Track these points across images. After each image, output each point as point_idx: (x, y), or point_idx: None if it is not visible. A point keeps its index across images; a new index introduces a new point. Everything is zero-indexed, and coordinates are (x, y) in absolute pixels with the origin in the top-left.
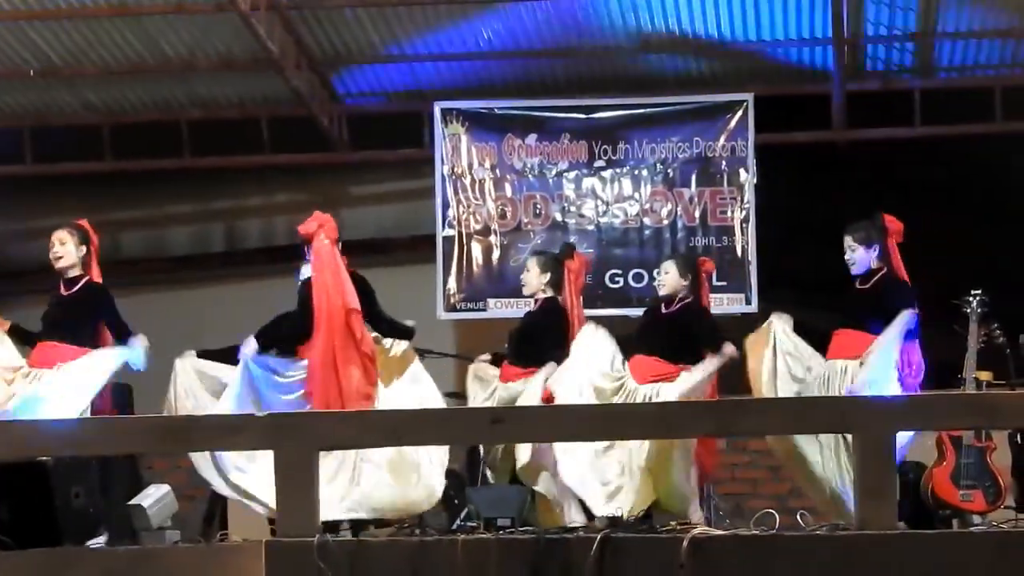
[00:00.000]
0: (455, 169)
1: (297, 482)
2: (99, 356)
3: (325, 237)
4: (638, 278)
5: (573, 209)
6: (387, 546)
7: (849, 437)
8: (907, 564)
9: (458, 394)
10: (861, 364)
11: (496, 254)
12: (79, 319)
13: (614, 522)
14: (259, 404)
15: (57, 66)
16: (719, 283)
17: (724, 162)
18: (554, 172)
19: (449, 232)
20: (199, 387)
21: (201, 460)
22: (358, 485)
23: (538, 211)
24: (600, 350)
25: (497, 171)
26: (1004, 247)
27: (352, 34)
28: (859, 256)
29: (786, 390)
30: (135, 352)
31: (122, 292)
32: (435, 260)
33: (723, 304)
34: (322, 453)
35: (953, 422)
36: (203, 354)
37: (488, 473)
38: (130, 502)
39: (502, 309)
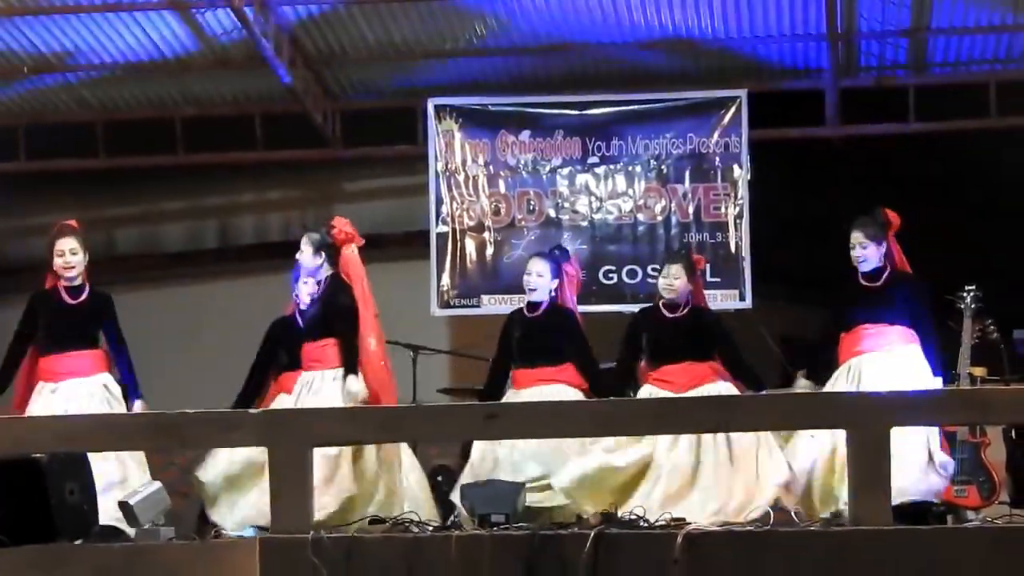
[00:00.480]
0: (449, 165)
1: (291, 479)
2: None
3: (355, 246)
4: (632, 274)
5: (567, 205)
6: (381, 542)
7: None
8: (901, 560)
9: (452, 390)
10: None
11: (490, 250)
12: (89, 327)
13: (608, 517)
14: None
15: (51, 63)
16: (713, 279)
17: (718, 158)
18: (548, 168)
19: (443, 228)
20: None
21: None
22: None
23: (532, 207)
24: None
25: (491, 167)
26: (998, 243)
27: (345, 30)
28: (870, 253)
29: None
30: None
31: (116, 289)
32: (429, 256)
33: (717, 300)
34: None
35: (947, 417)
36: None
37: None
38: (119, 499)
39: (496, 305)
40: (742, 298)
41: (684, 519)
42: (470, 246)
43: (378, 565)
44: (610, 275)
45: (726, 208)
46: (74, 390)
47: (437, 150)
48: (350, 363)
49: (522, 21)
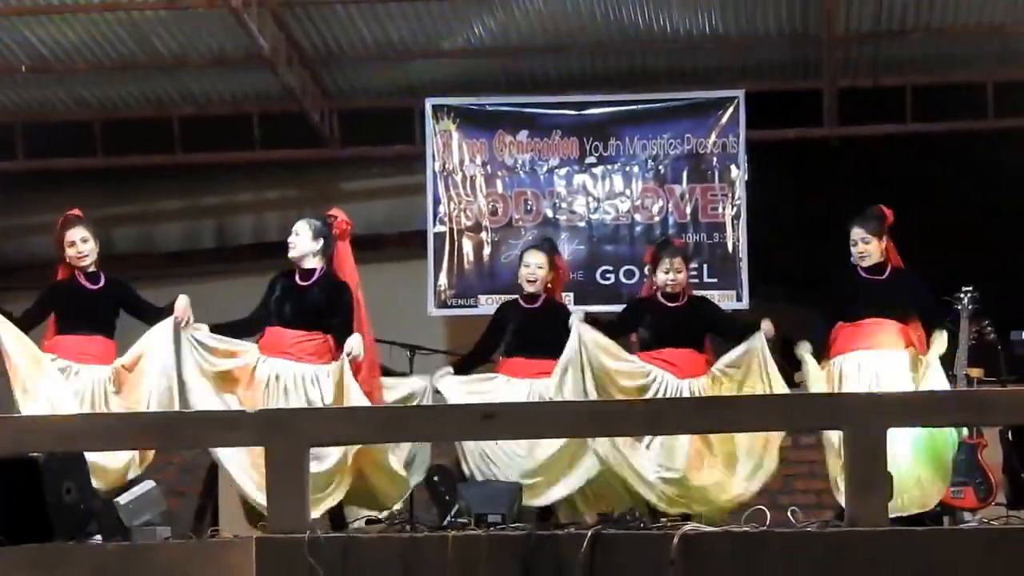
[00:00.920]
0: (446, 165)
1: (288, 478)
2: (156, 338)
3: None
4: (629, 274)
5: (564, 205)
6: (377, 542)
7: None
8: (898, 561)
9: None
10: (919, 359)
11: (487, 250)
12: (110, 314)
13: (605, 518)
14: None
15: (49, 62)
16: (710, 280)
17: (715, 158)
18: (545, 168)
19: (440, 228)
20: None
21: None
22: None
23: (529, 207)
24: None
25: (488, 167)
26: (996, 243)
27: (343, 30)
28: (872, 248)
29: None
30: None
31: None
32: (426, 256)
33: (714, 301)
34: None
35: (944, 418)
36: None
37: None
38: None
39: (493, 305)
40: (739, 299)
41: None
42: (467, 246)
43: (374, 565)
44: (607, 275)
45: (723, 208)
46: (90, 374)
47: (434, 150)
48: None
49: (520, 21)
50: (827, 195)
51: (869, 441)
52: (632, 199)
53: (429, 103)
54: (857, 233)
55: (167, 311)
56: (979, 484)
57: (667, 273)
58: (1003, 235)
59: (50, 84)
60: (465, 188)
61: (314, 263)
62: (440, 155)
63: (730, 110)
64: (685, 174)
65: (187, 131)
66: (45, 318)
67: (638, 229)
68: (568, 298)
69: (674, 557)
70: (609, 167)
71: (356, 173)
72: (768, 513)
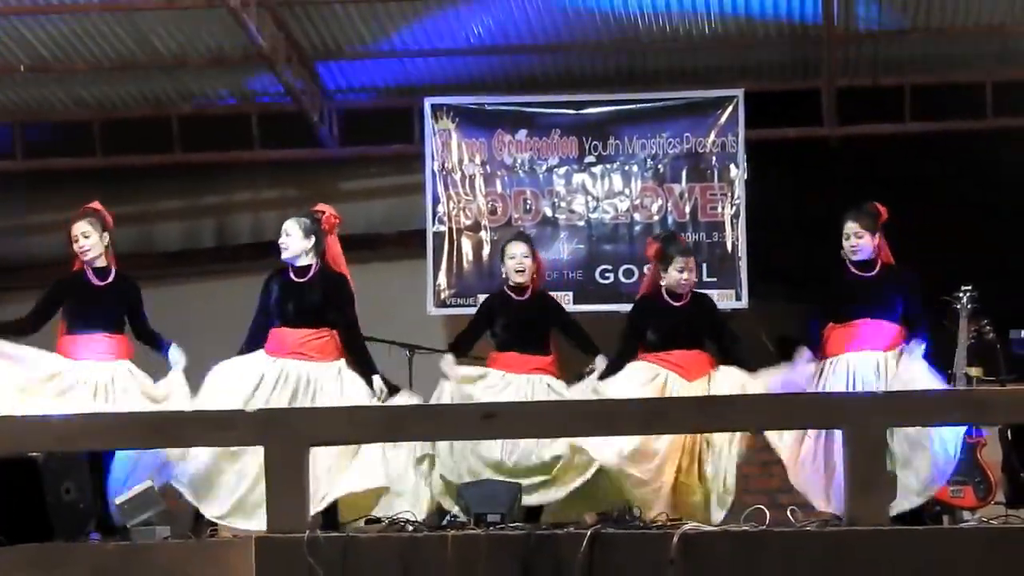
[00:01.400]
0: (445, 165)
1: (287, 478)
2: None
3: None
4: (628, 274)
5: (563, 205)
6: (377, 542)
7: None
8: (897, 560)
9: None
10: (897, 359)
11: (486, 250)
12: (117, 310)
13: (604, 517)
14: None
15: (48, 62)
16: (709, 279)
17: (714, 158)
18: (544, 168)
19: (439, 228)
20: None
21: None
22: None
23: (528, 207)
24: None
25: (487, 167)
26: (995, 243)
27: (342, 30)
28: (865, 243)
29: None
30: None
31: None
32: (425, 256)
33: (713, 300)
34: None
35: (943, 418)
36: None
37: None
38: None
39: None
40: (738, 298)
41: (681, 519)
42: (466, 245)
43: (373, 564)
44: (606, 275)
45: (723, 208)
46: (98, 373)
47: (434, 149)
48: (369, 362)
49: (519, 20)
50: (826, 195)
51: (869, 441)
52: (631, 198)
53: (428, 103)
54: (851, 227)
55: (164, 343)
56: (978, 483)
57: (681, 272)
58: (1003, 235)
59: (49, 84)
60: (464, 187)
61: (308, 260)
62: (439, 154)
63: (729, 109)
64: (684, 173)
65: (186, 131)
66: (54, 312)
67: (637, 228)
68: (567, 297)
69: (673, 556)
70: (608, 166)
71: (355, 173)
72: (767, 512)
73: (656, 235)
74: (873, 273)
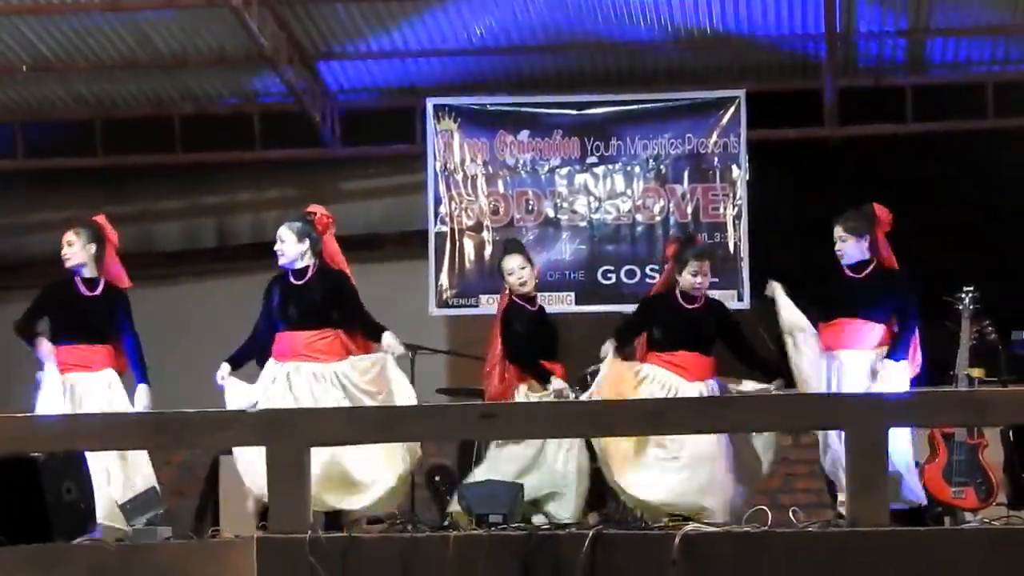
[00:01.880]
0: (447, 165)
1: (289, 478)
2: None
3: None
4: (630, 274)
5: (565, 205)
6: (378, 542)
7: None
8: (899, 561)
9: (450, 390)
10: (883, 359)
11: (488, 250)
12: (104, 320)
13: (606, 517)
14: None
15: (49, 61)
16: (711, 280)
17: (716, 158)
18: (546, 168)
19: (441, 228)
20: None
21: None
22: None
23: (530, 207)
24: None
25: (489, 167)
26: (996, 243)
27: (344, 29)
28: (849, 247)
29: None
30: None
31: None
32: (427, 256)
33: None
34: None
35: (945, 419)
36: None
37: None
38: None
39: (494, 306)
40: (740, 299)
41: (682, 519)
42: (468, 246)
43: (375, 564)
44: (608, 275)
45: (724, 208)
46: (82, 384)
47: (435, 149)
48: (376, 328)
49: (521, 20)
50: (827, 195)
51: (869, 441)
52: (633, 199)
53: (430, 103)
54: (836, 231)
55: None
56: (980, 484)
57: (695, 276)
58: (1003, 235)
59: (50, 82)
60: (466, 188)
61: (305, 262)
62: (441, 155)
63: (731, 110)
64: (686, 174)
65: (187, 130)
66: (41, 318)
67: (639, 229)
68: (569, 298)
69: (675, 557)
70: (610, 167)
71: (357, 173)
72: (769, 513)
73: (675, 236)
74: (863, 275)
